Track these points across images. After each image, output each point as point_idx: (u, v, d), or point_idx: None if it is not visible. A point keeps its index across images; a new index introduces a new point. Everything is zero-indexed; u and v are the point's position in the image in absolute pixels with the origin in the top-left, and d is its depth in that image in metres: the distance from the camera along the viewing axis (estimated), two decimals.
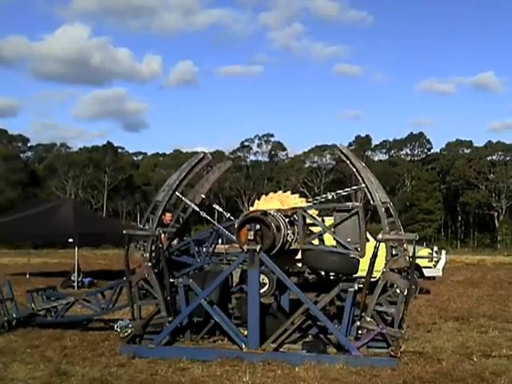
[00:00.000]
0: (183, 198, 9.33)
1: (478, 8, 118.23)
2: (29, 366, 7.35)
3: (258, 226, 7.89)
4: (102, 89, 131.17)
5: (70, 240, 17.97)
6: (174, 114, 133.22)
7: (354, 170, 8.38)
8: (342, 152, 8.51)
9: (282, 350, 8.06)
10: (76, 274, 17.98)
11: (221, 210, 9.97)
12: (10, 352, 8.05)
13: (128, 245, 8.94)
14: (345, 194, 9.10)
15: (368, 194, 8.19)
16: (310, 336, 8.75)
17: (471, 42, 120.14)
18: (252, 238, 7.85)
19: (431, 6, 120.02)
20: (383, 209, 8.10)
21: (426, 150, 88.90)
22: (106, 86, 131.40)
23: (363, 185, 8.25)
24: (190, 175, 8.97)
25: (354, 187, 8.92)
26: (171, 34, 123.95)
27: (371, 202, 8.20)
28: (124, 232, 8.81)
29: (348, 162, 8.46)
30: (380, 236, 7.95)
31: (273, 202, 9.01)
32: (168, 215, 10.72)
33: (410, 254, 7.91)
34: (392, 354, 7.64)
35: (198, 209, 9.56)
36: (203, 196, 9.95)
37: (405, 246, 8.01)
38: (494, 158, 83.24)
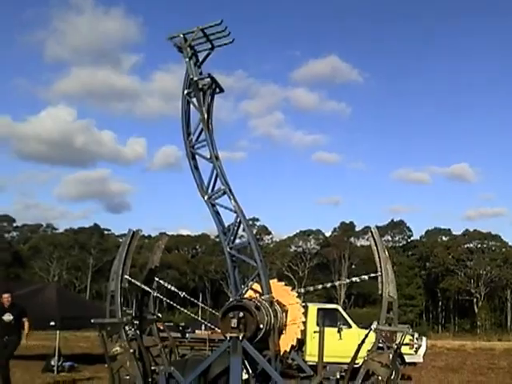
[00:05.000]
0: (133, 280, 9.25)
1: (453, 100, 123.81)
2: None
3: (241, 314, 7.84)
4: (86, 170, 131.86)
5: (52, 323, 17.35)
6: (157, 197, 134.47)
7: (376, 256, 8.45)
8: (372, 235, 8.60)
9: None
10: (56, 357, 17.36)
11: (169, 287, 10.24)
12: None
13: (101, 332, 8.79)
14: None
15: (380, 284, 8.35)
16: None
17: (446, 133, 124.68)
18: (235, 325, 7.79)
19: (408, 97, 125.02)
20: (387, 302, 8.24)
21: (406, 237, 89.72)
22: (89, 168, 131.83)
23: (379, 273, 8.38)
24: (129, 255, 9.06)
25: (372, 275, 8.87)
26: (155, 117, 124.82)
27: (379, 291, 8.38)
28: (92, 321, 8.69)
29: (374, 246, 8.53)
30: (374, 326, 8.05)
31: (282, 293, 9.26)
32: (5, 295, 10.86)
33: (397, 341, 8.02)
34: None
35: (148, 288, 9.59)
36: (156, 279, 10.11)
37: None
38: (471, 245, 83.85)
